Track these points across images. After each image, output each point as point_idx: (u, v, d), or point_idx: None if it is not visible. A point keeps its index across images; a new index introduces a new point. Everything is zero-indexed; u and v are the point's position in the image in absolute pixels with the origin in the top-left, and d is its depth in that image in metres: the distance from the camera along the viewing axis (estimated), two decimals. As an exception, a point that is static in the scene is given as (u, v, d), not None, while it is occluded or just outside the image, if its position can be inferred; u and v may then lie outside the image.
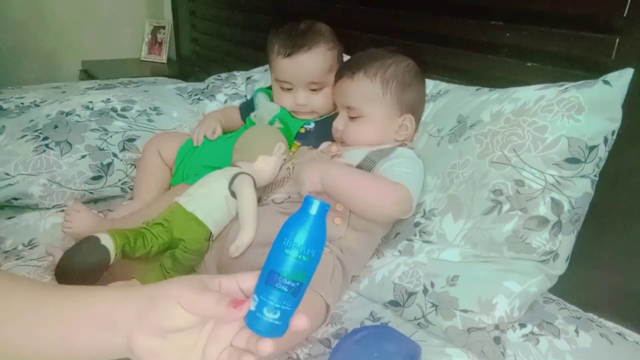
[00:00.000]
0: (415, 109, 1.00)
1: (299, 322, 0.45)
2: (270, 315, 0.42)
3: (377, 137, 0.97)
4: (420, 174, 0.91)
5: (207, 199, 0.86)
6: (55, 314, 0.46)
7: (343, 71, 1.00)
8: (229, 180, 0.87)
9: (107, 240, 0.74)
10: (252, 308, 0.43)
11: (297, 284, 0.42)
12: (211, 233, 0.86)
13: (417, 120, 1.01)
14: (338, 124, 1.00)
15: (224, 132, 1.24)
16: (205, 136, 1.14)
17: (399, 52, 1.00)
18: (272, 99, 1.18)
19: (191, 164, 1.09)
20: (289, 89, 1.10)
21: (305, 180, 0.85)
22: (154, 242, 0.81)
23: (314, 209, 0.42)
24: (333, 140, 1.06)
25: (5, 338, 0.45)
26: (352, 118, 0.98)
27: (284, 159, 0.98)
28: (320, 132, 1.10)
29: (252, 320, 0.43)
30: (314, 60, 1.06)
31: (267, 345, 0.44)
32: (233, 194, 0.86)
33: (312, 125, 1.12)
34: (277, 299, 0.42)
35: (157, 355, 0.45)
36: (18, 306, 0.46)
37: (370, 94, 0.95)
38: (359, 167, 0.92)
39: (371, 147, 0.96)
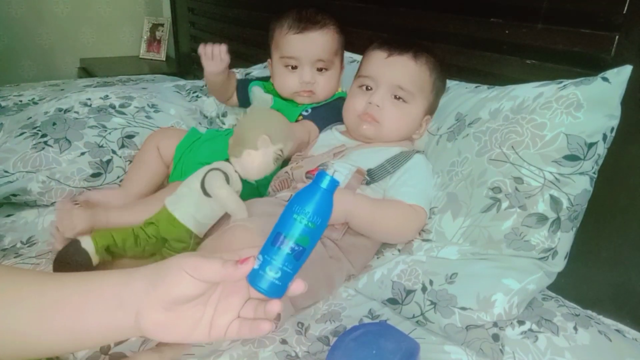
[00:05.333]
0: (434, 111, 1.01)
1: (297, 286, 0.47)
2: (272, 274, 0.46)
3: (407, 130, 0.97)
4: (431, 182, 0.91)
5: (187, 198, 0.84)
6: (63, 297, 0.46)
7: (401, 48, 0.93)
8: (199, 179, 0.84)
9: (87, 244, 0.78)
10: (256, 267, 0.46)
11: (301, 248, 0.46)
12: (193, 232, 0.84)
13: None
14: (376, 99, 0.93)
15: (219, 129, 1.23)
16: (203, 133, 1.14)
17: None
18: (267, 90, 1.16)
19: (189, 161, 1.08)
20: (294, 67, 1.10)
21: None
22: (146, 242, 0.83)
23: (324, 183, 0.47)
24: (333, 126, 1.05)
25: (14, 325, 0.45)
26: (396, 98, 0.94)
27: (280, 150, 0.86)
28: (316, 119, 1.09)
29: (255, 278, 0.46)
30: (325, 38, 1.08)
31: (276, 305, 0.46)
32: (205, 193, 0.83)
33: (309, 111, 1.11)
34: (281, 259, 0.46)
35: (166, 329, 0.46)
36: (25, 293, 0.46)
37: (424, 86, 0.94)
38: (371, 172, 0.90)
39: (387, 153, 0.93)
